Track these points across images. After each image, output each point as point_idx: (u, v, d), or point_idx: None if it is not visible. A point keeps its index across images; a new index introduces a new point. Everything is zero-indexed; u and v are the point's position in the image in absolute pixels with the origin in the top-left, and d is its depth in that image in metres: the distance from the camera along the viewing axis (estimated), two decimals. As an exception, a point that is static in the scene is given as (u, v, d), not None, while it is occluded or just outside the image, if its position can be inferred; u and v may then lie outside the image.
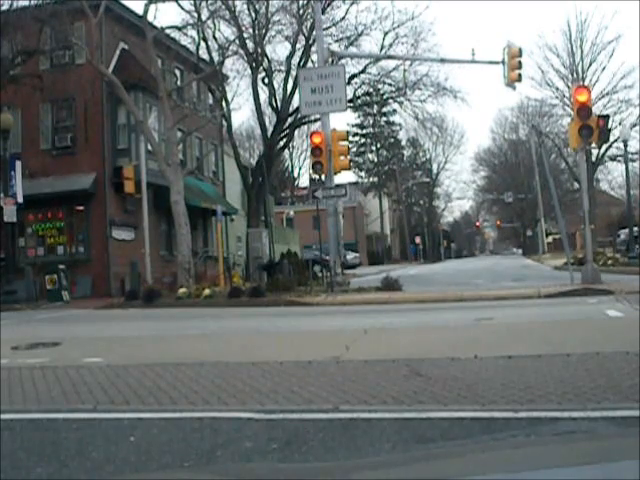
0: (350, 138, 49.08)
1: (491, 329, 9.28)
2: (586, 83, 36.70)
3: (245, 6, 26.62)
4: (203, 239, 29.15)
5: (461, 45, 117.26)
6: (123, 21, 23.44)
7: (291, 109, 29.18)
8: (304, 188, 67.36)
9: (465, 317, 10.75)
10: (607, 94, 41.87)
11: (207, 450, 3.98)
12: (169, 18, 72.45)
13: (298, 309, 14.25)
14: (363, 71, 29.95)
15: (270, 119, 34.98)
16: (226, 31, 32.84)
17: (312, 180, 49.95)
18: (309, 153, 21.59)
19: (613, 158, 45.21)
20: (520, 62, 18.88)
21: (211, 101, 29.66)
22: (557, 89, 42.76)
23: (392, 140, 66.74)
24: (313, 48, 26.18)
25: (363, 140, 65.78)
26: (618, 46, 74.22)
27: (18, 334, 10.80)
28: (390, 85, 30.96)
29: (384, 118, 60.45)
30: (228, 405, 5.07)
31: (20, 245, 22.60)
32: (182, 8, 23.40)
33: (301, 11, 26.70)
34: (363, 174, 67.70)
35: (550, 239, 58.53)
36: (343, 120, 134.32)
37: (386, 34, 29.17)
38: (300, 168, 72.37)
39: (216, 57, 26.14)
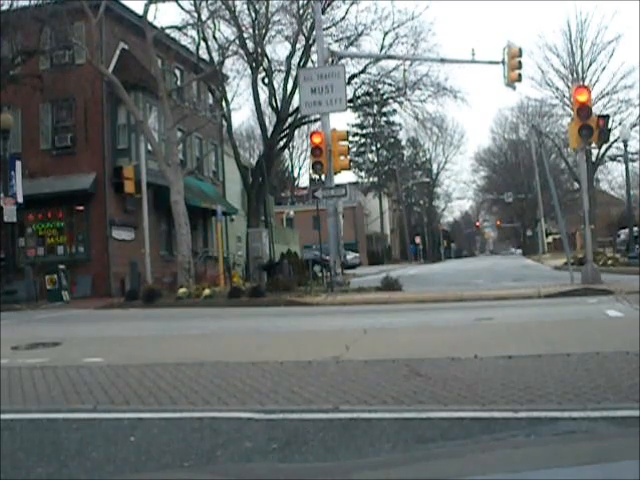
0: (350, 138, 49.09)
1: (491, 329, 9.28)
2: (586, 83, 36.71)
3: (245, 6, 26.64)
4: (203, 239, 29.15)
5: (461, 45, 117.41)
6: (123, 21, 23.43)
7: (291, 109, 29.18)
8: (304, 188, 67.36)
9: (465, 317, 10.75)
10: (607, 94, 41.90)
11: (207, 450, 3.98)
12: (169, 18, 72.49)
13: (298, 309, 14.25)
14: (363, 71, 29.97)
15: (270, 119, 35.01)
16: (226, 31, 32.79)
17: (312, 180, 50.04)
18: (309, 153, 21.60)
19: (613, 158, 45.23)
20: (520, 62, 18.89)
21: (211, 101, 29.65)
22: (557, 89, 42.81)
23: (392, 140, 66.75)
24: (313, 48, 26.19)
25: (363, 140, 65.80)
26: (618, 46, 74.25)
27: (18, 334, 10.79)
28: (390, 85, 30.98)
29: (384, 118, 60.47)
30: (228, 405, 5.07)
31: (20, 245, 22.60)
32: (182, 8, 23.43)
33: (301, 11, 26.71)
34: (363, 174, 67.74)
35: (550, 239, 58.56)
36: (343, 120, 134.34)
37: (386, 34, 29.21)
38: (300, 168, 72.47)
39: (216, 57, 26.14)
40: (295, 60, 28.25)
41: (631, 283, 13.76)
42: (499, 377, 5.58)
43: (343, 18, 28.71)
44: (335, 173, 18.37)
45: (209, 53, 26.80)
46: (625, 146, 26.98)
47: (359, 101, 33.43)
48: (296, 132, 42.28)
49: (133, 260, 20.77)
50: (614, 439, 1.77)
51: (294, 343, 8.71)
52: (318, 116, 22.40)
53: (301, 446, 3.96)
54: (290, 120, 30.01)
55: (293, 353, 7.42)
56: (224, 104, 27.89)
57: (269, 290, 16.64)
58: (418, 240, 68.26)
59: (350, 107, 30.84)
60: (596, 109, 30.94)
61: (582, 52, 41.84)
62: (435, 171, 75.27)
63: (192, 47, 26.06)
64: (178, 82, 26.24)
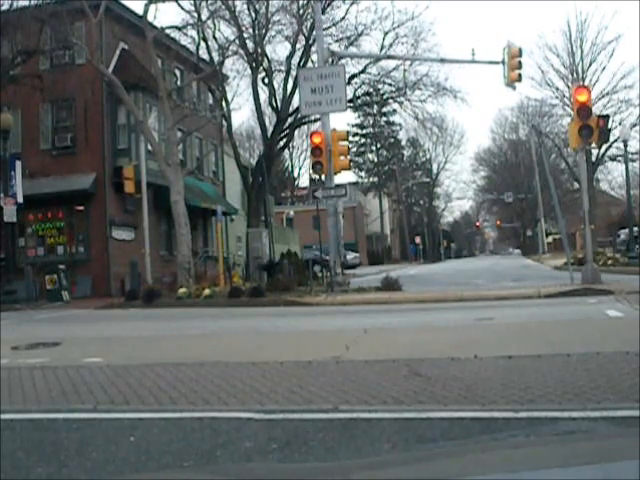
0: (350, 138, 49.02)
1: (491, 329, 9.28)
2: (586, 83, 36.68)
3: (245, 6, 26.64)
4: (203, 239, 29.16)
5: (461, 45, 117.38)
6: (123, 21, 23.43)
7: (291, 109, 29.17)
8: (304, 188, 67.41)
9: (465, 317, 10.75)
10: (607, 94, 41.86)
11: (207, 450, 3.98)
12: (169, 18, 72.48)
13: (298, 309, 14.25)
14: (363, 71, 29.96)
15: (270, 119, 35.00)
16: (226, 31, 32.85)
17: (312, 180, 50.04)
18: (309, 153, 21.59)
19: (613, 158, 45.20)
20: (520, 62, 18.88)
21: (211, 101, 29.66)
22: (557, 89, 42.77)
23: (392, 140, 66.73)
24: (313, 48, 26.18)
25: (363, 140, 65.79)
26: (618, 46, 74.16)
27: (18, 334, 10.80)
28: (390, 85, 30.98)
29: (384, 118, 60.41)
30: (228, 405, 5.07)
31: (20, 245, 22.61)
32: (182, 8, 23.43)
33: (301, 11, 26.70)
34: (363, 174, 67.73)
35: (550, 239, 58.53)
36: (343, 120, 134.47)
37: (386, 34, 29.21)
38: (300, 168, 72.49)
39: (216, 57, 26.14)
40: (295, 60, 28.28)
41: (631, 283, 13.76)
42: (499, 377, 5.58)
43: (343, 18, 28.74)
44: (335, 173, 18.36)
45: (209, 53, 26.80)
46: (625, 146, 26.97)
47: (359, 101, 33.42)
48: (296, 132, 42.33)
49: (133, 260, 20.77)
50: (614, 439, 1.77)
51: (294, 343, 8.71)
52: (318, 116, 22.39)
53: (301, 446, 3.96)
54: (290, 120, 30.01)
55: (293, 353, 7.42)
56: (224, 104, 27.89)
57: (269, 290, 16.64)
58: (418, 240, 68.26)
59: (350, 107, 30.85)
60: (596, 109, 30.93)
61: (582, 52, 41.84)
62: (435, 171, 75.31)
63: (192, 47, 26.06)
64: (178, 82, 26.23)
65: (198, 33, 25.21)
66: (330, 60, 20.74)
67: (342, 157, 18.52)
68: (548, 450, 1.53)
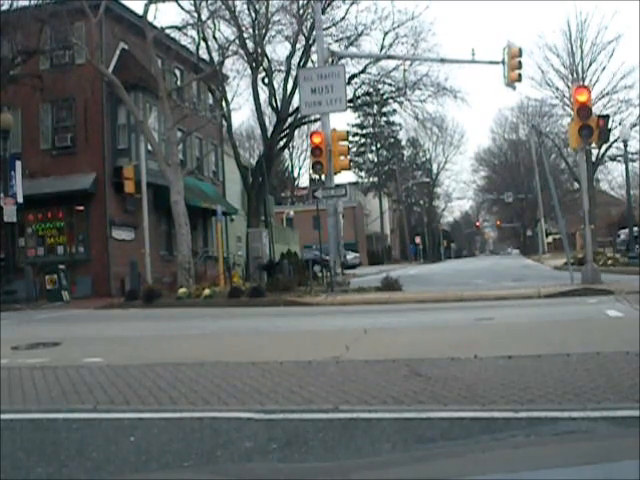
0: (350, 138, 49.08)
1: (491, 329, 9.28)
2: (586, 83, 36.69)
3: (245, 6, 26.64)
4: (203, 239, 29.16)
5: (461, 45, 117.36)
6: (123, 21, 23.43)
7: (291, 109, 29.18)
8: (304, 188, 67.42)
9: (465, 317, 10.75)
10: (607, 94, 41.87)
11: (207, 450, 3.98)
12: (169, 18, 72.57)
13: (298, 309, 14.25)
14: (363, 71, 29.97)
15: (270, 119, 35.01)
16: (226, 31, 32.91)
17: (312, 180, 50.08)
18: (309, 153, 21.60)
19: (613, 158, 45.21)
20: (520, 62, 18.88)
21: (211, 101, 29.66)
22: (557, 89, 42.79)
23: (392, 140, 66.76)
24: (313, 48, 26.19)
25: (363, 140, 65.82)
26: (618, 46, 74.14)
27: (18, 334, 10.80)
28: (390, 85, 30.99)
29: (384, 118, 60.46)
30: (228, 405, 5.07)
31: (20, 245, 22.61)
32: (182, 8, 23.44)
33: (301, 11, 26.70)
34: (363, 174, 67.76)
35: (550, 239, 58.54)
36: (343, 120, 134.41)
37: (386, 34, 29.22)
38: (300, 168, 72.50)
39: (216, 57, 26.14)
40: (295, 60, 28.29)
41: (631, 283, 13.76)
42: (499, 377, 5.58)
43: (343, 18, 28.76)
44: (335, 173, 18.37)
45: (209, 53, 26.81)
46: (625, 146, 26.95)
47: (359, 101, 33.43)
48: (296, 132, 42.32)
49: (133, 260, 20.78)
50: (614, 439, 1.77)
51: (294, 343, 8.71)
52: (318, 116, 22.39)
53: (301, 446, 3.96)
54: (290, 120, 30.01)
55: (293, 353, 7.42)
56: (224, 104, 27.89)
57: (269, 290, 16.63)
58: (418, 240, 68.27)
59: (350, 107, 30.85)
60: (596, 109, 30.95)
61: (582, 52, 41.85)
62: (435, 171, 75.34)
63: (192, 47, 26.07)
64: (178, 82, 26.23)
65: (198, 33, 25.22)
66: (330, 60, 20.74)
67: (342, 157, 18.52)
68: (548, 450, 1.53)
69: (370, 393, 5.17)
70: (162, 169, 19.43)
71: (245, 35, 26.82)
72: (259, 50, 27.30)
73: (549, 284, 15.59)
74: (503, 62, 18.70)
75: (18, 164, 19.59)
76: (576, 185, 46.57)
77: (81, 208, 22.87)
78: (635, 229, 25.69)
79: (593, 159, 41.46)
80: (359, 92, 31.52)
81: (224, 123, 29.51)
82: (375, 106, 43.80)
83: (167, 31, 22.26)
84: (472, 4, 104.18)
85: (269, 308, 14.46)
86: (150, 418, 4.75)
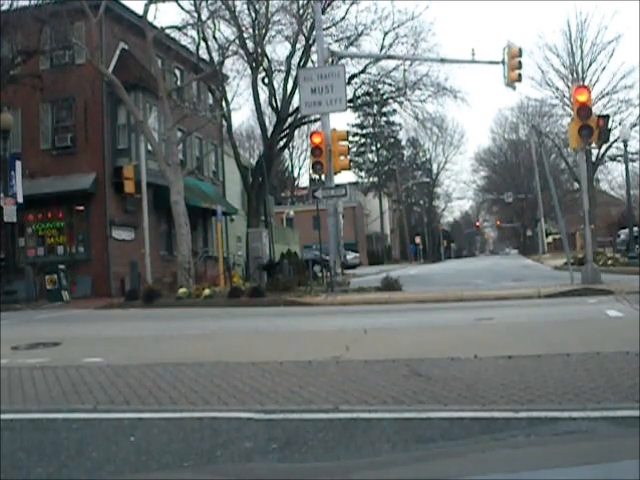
0: (350, 138, 49.11)
1: (491, 329, 9.28)
2: (586, 83, 36.66)
3: (245, 6, 26.66)
4: (203, 239, 29.15)
5: (461, 45, 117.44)
6: (123, 21, 23.42)
7: (291, 109, 29.19)
8: (304, 188, 67.42)
9: (465, 317, 10.75)
10: (607, 94, 41.84)
11: (207, 450, 3.98)
12: (169, 18, 72.51)
13: (298, 309, 14.25)
14: (363, 71, 29.98)
15: (270, 119, 35.03)
16: (226, 31, 32.90)
17: (312, 180, 50.09)
18: (309, 153, 21.60)
19: (613, 158, 45.18)
20: (520, 62, 18.89)
21: (211, 101, 29.66)
22: (557, 89, 42.75)
23: (392, 140, 66.78)
24: (313, 48, 26.20)
25: (363, 140, 65.83)
26: (618, 46, 74.18)
27: (18, 334, 10.80)
28: (390, 85, 31.00)
29: (384, 118, 60.47)
30: (228, 405, 5.07)
31: (20, 245, 22.61)
32: (182, 8, 23.43)
33: (301, 11, 26.71)
34: (363, 174, 67.77)
35: (550, 239, 58.56)
36: (343, 120, 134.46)
37: (386, 34, 29.24)
38: (300, 168, 72.50)
39: (216, 57, 26.15)
40: (295, 60, 28.30)
41: (631, 283, 13.76)
42: (499, 377, 5.58)
43: (343, 18, 28.77)
44: (335, 173, 18.37)
45: (209, 53, 26.82)
46: (625, 146, 26.95)
47: (359, 101, 33.44)
48: (296, 132, 42.34)
49: (133, 260, 20.78)
50: (614, 439, 1.77)
51: (294, 343, 8.71)
52: (318, 116, 22.40)
53: (301, 446, 3.96)
54: (290, 120, 30.02)
55: (293, 353, 7.42)
56: (224, 104, 27.89)
57: (269, 290, 16.63)
58: (418, 240, 68.28)
59: (350, 107, 30.86)
60: (596, 109, 30.92)
61: (582, 52, 41.83)
62: (435, 171, 75.36)
63: (192, 47, 26.07)
64: (178, 82, 26.23)
65: (198, 33, 25.22)
66: (330, 60, 20.74)
67: (342, 157, 18.53)
68: (548, 450, 1.53)
69: (370, 393, 5.17)
70: (162, 169, 19.43)
71: (245, 35, 26.85)
72: (259, 50, 27.31)
73: (549, 284, 15.59)
74: (503, 62, 18.71)
75: (18, 164, 19.59)
76: (576, 185, 46.55)
77: (81, 208, 22.87)
78: (635, 229, 25.69)
79: (593, 159, 41.43)
80: (359, 92, 31.56)
81: (224, 123, 29.53)
82: (375, 106, 43.82)
83: (167, 31, 22.25)
84: (472, 4, 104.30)
85: (269, 308, 14.46)
86: (150, 418, 4.75)
